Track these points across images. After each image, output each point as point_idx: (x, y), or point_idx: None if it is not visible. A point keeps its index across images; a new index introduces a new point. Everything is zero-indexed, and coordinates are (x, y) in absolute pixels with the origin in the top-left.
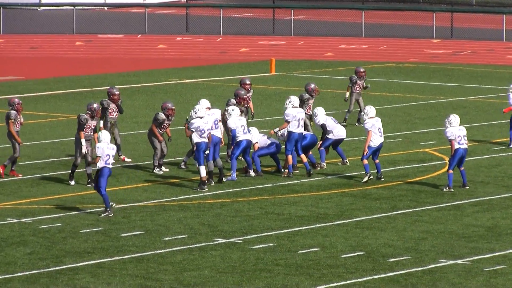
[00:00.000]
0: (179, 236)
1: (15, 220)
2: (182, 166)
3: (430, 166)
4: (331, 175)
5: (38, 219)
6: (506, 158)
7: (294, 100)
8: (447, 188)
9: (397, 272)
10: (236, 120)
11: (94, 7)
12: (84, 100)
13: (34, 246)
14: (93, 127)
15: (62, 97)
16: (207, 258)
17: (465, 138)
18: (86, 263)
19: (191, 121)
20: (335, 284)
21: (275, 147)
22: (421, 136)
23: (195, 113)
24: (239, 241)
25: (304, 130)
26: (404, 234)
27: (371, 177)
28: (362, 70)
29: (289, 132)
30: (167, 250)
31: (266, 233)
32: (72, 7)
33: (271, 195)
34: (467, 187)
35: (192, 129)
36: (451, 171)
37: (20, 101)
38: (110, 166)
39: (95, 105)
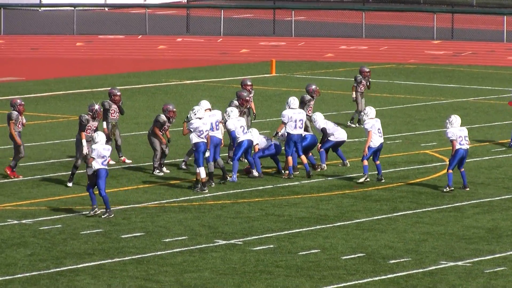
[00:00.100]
0: (180, 238)
1: (16, 222)
2: (183, 166)
3: (431, 167)
4: (331, 176)
5: (38, 220)
6: (506, 159)
7: (291, 101)
8: (447, 188)
9: (398, 274)
10: (235, 121)
11: (95, 8)
12: (85, 101)
13: (34, 247)
14: (94, 128)
15: (62, 98)
16: (207, 260)
17: (467, 138)
18: (87, 264)
19: (190, 121)
20: (335, 286)
21: (275, 148)
22: (421, 138)
23: (194, 115)
24: (239, 243)
25: (304, 131)
26: (405, 235)
27: (368, 179)
28: (367, 70)
29: (287, 134)
30: (168, 251)
31: (267, 235)
32: (73, 8)
33: (272, 196)
34: (468, 189)
35: (191, 129)
36: (450, 171)
37: (22, 102)
38: (107, 167)
39: (96, 106)
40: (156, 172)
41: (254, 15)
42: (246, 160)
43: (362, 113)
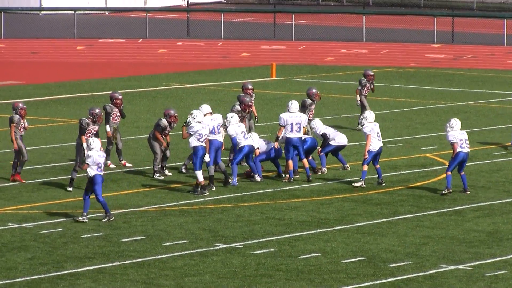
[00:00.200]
0: (180, 241)
1: (16, 225)
2: (183, 170)
3: (431, 171)
4: (331, 180)
5: (39, 224)
6: (507, 163)
7: (290, 105)
8: (446, 190)
9: (398, 278)
10: (236, 127)
11: (95, 12)
12: (85, 105)
13: (35, 251)
14: (94, 132)
15: (63, 101)
16: (208, 263)
17: (467, 142)
18: (87, 268)
19: (190, 125)
20: None
21: (276, 152)
22: (422, 141)
23: (193, 119)
24: (240, 246)
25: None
26: (405, 239)
27: (364, 185)
28: (371, 73)
29: (286, 137)
30: (168, 255)
31: (267, 238)
32: (73, 12)
33: (272, 200)
34: (468, 192)
35: (191, 132)
36: (449, 173)
37: (24, 106)
38: (102, 173)
39: (97, 110)
40: (157, 175)
41: (254, 18)
42: (246, 164)
43: (362, 117)
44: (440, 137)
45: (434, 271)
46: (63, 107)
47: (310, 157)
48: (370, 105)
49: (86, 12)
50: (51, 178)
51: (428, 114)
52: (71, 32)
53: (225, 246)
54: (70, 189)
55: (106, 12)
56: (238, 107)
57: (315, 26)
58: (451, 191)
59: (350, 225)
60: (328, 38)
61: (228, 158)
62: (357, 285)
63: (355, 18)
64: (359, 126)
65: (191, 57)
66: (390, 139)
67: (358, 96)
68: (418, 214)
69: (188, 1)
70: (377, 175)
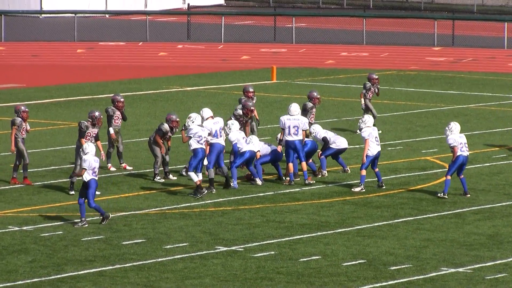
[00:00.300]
0: (181, 244)
1: (16, 228)
2: (183, 173)
3: (432, 174)
4: (332, 183)
5: (39, 227)
6: (507, 165)
7: (290, 108)
8: (442, 194)
9: (399, 280)
10: (237, 133)
11: (96, 15)
12: (86, 108)
13: (35, 254)
14: (94, 135)
15: (63, 104)
16: (208, 266)
17: (466, 145)
18: (88, 271)
19: (189, 128)
20: None
21: (277, 155)
22: (422, 144)
23: (192, 122)
24: (240, 249)
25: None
26: (406, 242)
27: (363, 189)
28: (375, 76)
29: (285, 140)
30: (168, 258)
31: (268, 241)
32: (74, 15)
33: (273, 203)
34: (468, 195)
35: (190, 135)
36: (449, 177)
37: (27, 109)
38: (97, 178)
39: (96, 113)
40: (157, 178)
41: (255, 21)
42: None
43: (360, 121)
44: (440, 140)
45: (434, 274)
46: (64, 110)
47: (311, 160)
48: None
49: (87, 15)
50: (52, 181)
51: (429, 117)
52: (71, 35)
53: (225, 249)
54: (72, 192)
55: (107, 15)
56: (240, 111)
57: (316, 29)
58: (446, 197)
59: (351, 228)
60: (329, 41)
61: (228, 161)
62: None
63: (355, 21)
64: (358, 131)
65: (192, 60)
66: (390, 142)
67: (362, 99)
68: (418, 217)
69: (188, 4)
70: (376, 179)
